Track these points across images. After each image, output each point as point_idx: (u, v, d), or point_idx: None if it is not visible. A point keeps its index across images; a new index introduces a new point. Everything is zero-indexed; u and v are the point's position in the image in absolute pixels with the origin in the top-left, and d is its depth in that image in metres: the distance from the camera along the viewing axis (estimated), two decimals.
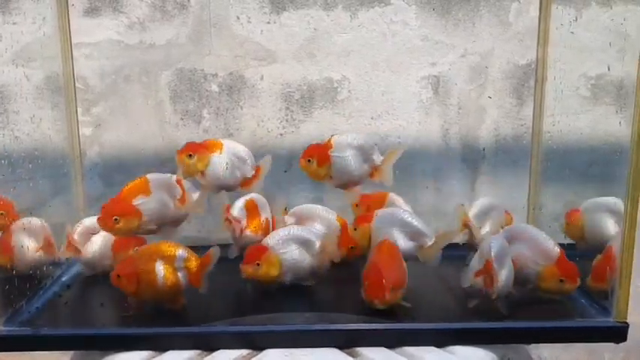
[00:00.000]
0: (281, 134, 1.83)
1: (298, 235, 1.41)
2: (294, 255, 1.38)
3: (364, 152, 1.44)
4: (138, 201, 1.31)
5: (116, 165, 1.79)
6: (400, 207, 1.54)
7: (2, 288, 1.25)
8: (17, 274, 1.35)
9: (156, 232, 1.35)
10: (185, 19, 1.77)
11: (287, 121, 1.82)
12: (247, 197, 1.56)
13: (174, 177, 1.37)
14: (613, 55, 1.69)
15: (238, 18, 1.77)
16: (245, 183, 1.46)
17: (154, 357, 1.18)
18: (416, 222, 1.38)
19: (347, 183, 1.45)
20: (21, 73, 1.57)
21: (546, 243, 1.31)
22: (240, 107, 1.81)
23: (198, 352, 1.19)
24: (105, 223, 1.28)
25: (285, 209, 1.61)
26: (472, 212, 1.52)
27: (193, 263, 1.30)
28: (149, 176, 1.35)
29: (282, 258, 1.36)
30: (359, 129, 1.82)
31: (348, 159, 1.42)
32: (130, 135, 1.80)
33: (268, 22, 1.78)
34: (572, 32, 1.68)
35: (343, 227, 1.54)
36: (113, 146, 1.81)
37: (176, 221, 1.40)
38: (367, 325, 1.23)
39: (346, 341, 1.20)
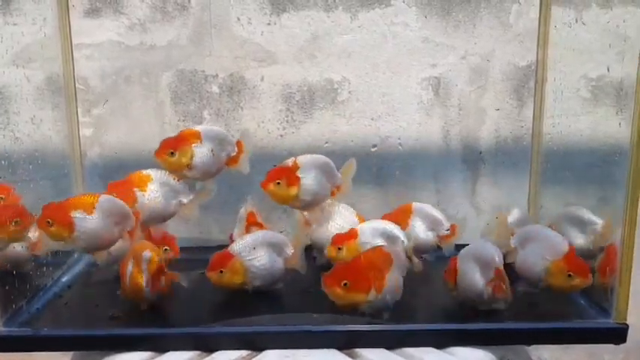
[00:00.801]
0: (281, 135, 1.83)
1: (267, 239, 1.38)
2: (262, 261, 1.36)
3: (327, 171, 1.45)
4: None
5: (116, 166, 1.80)
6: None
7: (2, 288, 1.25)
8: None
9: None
10: (186, 20, 1.77)
11: (287, 122, 1.82)
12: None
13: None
14: (613, 56, 1.69)
15: (239, 19, 1.77)
16: (231, 161, 1.47)
17: (153, 358, 1.18)
18: (396, 230, 1.41)
19: (312, 203, 1.45)
20: (21, 74, 1.58)
21: (555, 239, 1.31)
22: (241, 108, 1.81)
23: (198, 352, 1.19)
24: None
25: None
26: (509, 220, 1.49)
27: (154, 265, 1.27)
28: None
29: (249, 264, 1.34)
30: (359, 130, 1.82)
31: (316, 179, 1.42)
32: (130, 136, 1.81)
33: (269, 24, 1.78)
34: (572, 34, 1.68)
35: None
36: (113, 147, 1.81)
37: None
38: (367, 326, 1.23)
39: (346, 342, 1.20)
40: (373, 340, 1.21)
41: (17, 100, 1.63)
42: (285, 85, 1.81)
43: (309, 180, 1.41)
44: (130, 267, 1.27)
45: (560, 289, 1.29)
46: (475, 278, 1.26)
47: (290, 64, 1.80)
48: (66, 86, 1.58)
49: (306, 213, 1.53)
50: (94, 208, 1.28)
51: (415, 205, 1.54)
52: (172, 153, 1.38)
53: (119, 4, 1.75)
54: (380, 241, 1.38)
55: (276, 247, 1.38)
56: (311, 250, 1.54)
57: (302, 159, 1.42)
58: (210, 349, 1.19)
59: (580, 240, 1.45)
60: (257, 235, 1.40)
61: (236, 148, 1.48)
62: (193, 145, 1.40)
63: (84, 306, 1.38)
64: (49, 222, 1.25)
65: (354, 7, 1.77)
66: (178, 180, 1.43)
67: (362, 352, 1.19)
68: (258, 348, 1.19)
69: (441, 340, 1.21)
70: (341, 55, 1.80)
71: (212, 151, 1.42)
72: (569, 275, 1.26)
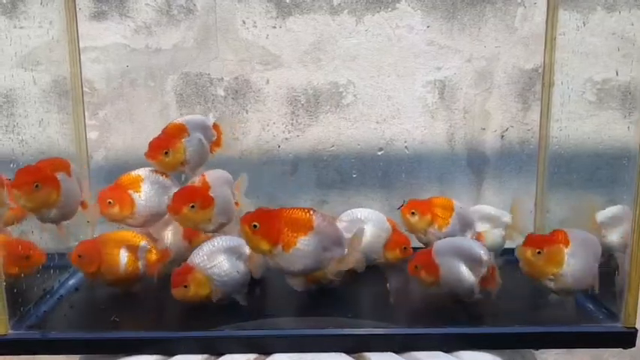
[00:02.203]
0: (286, 138, 1.83)
1: (225, 245, 1.33)
2: (223, 267, 1.30)
3: (231, 187, 1.43)
4: None
5: (122, 168, 1.78)
6: None
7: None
8: None
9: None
10: (191, 23, 1.77)
11: (292, 125, 1.82)
12: None
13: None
14: (619, 59, 1.70)
15: (244, 22, 1.77)
16: (214, 146, 1.47)
17: None
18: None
19: (223, 225, 1.40)
20: (27, 77, 1.58)
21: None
22: (246, 111, 1.81)
23: (206, 356, 1.19)
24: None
25: None
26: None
27: (154, 256, 1.37)
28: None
29: (211, 273, 1.29)
30: (364, 133, 1.82)
31: (227, 197, 1.39)
32: (135, 139, 1.81)
33: (274, 27, 1.78)
34: (579, 37, 1.68)
35: (393, 229, 1.50)
36: (119, 150, 1.82)
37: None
38: (375, 330, 1.23)
39: (354, 346, 1.20)
40: (381, 344, 1.20)
41: (24, 103, 1.63)
42: (290, 88, 1.81)
43: (220, 199, 1.35)
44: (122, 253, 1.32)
45: None
46: (464, 273, 1.28)
47: (295, 67, 1.80)
48: (73, 89, 1.58)
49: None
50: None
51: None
52: (166, 153, 1.37)
53: (125, 7, 1.76)
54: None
55: (234, 251, 1.32)
56: None
57: (211, 176, 1.36)
58: (219, 353, 1.19)
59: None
60: (214, 242, 1.33)
61: (215, 132, 1.47)
62: (184, 139, 1.39)
63: (91, 309, 1.38)
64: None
65: (359, 11, 1.77)
66: (166, 176, 1.43)
67: (370, 356, 1.19)
68: (266, 351, 1.19)
69: (449, 344, 1.21)
70: (346, 58, 1.80)
71: (201, 140, 1.41)
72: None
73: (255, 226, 1.17)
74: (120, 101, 1.80)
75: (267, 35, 1.78)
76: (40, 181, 1.24)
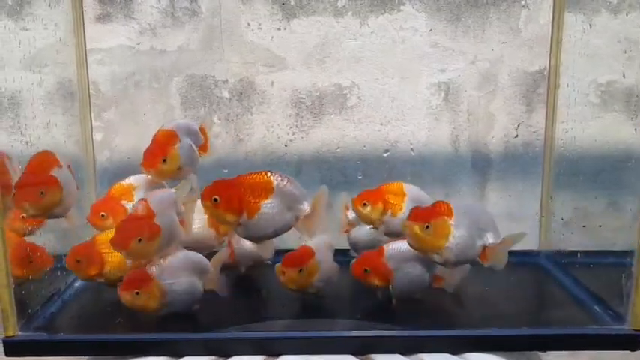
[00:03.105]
0: (290, 140, 1.83)
1: (189, 261, 1.29)
2: (182, 285, 1.26)
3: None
4: None
5: (126, 170, 1.79)
6: None
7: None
8: None
9: None
10: (196, 25, 1.77)
11: (297, 127, 1.83)
12: None
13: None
14: (623, 62, 1.70)
15: (249, 24, 1.78)
16: (201, 150, 1.46)
17: None
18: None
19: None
20: (33, 79, 1.58)
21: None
22: (250, 113, 1.81)
23: (213, 357, 1.19)
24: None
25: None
26: None
27: None
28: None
29: (168, 289, 1.24)
30: (368, 135, 1.83)
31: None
32: (140, 141, 1.80)
33: (279, 29, 1.78)
34: (584, 39, 1.68)
35: None
36: (123, 152, 1.82)
37: None
38: (382, 332, 1.24)
39: (361, 348, 1.20)
40: (388, 346, 1.21)
41: (29, 105, 1.63)
42: (294, 90, 1.81)
43: (166, 226, 1.27)
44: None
45: None
46: (421, 274, 1.31)
47: (300, 69, 1.80)
48: (80, 91, 1.58)
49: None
50: None
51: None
52: (164, 161, 1.34)
53: (130, 9, 1.76)
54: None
55: (197, 269, 1.29)
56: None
57: (154, 201, 1.27)
58: (227, 354, 1.19)
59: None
60: (179, 256, 1.28)
61: (202, 136, 1.46)
62: (175, 146, 1.37)
63: (98, 310, 1.38)
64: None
65: (363, 13, 1.78)
66: (154, 183, 1.42)
67: (377, 357, 1.19)
68: (274, 353, 1.19)
69: (456, 346, 1.21)
70: (350, 60, 1.80)
71: (191, 146, 1.40)
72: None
73: (215, 200, 1.16)
74: (124, 103, 1.80)
75: (272, 37, 1.79)
76: (43, 188, 1.24)
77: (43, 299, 1.35)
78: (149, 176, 1.42)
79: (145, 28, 1.77)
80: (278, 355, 1.19)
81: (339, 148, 1.83)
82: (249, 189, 1.19)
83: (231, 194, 1.18)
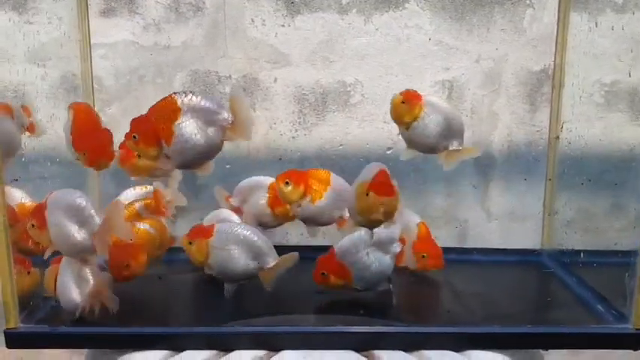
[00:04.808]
0: (293, 137, 1.83)
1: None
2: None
3: None
4: None
5: None
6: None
7: None
8: None
9: None
10: (200, 21, 1.77)
11: (300, 124, 1.82)
12: None
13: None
14: (628, 61, 1.69)
15: (253, 21, 1.77)
16: (29, 129, 1.44)
17: (170, 357, 1.18)
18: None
19: None
20: (37, 73, 1.58)
21: None
22: (254, 109, 1.81)
23: (214, 352, 1.19)
24: None
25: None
26: None
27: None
28: None
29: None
30: (371, 133, 1.82)
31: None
32: None
33: (283, 25, 1.78)
34: (589, 38, 1.68)
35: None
36: None
37: None
38: (384, 328, 1.23)
39: (363, 344, 1.20)
40: (391, 342, 1.21)
41: (33, 98, 1.63)
42: (298, 87, 1.81)
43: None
44: None
45: None
46: (379, 259, 1.34)
47: (303, 66, 1.80)
48: (84, 85, 1.58)
49: None
50: None
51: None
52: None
53: (134, 4, 1.76)
54: None
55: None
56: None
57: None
58: (227, 349, 1.19)
59: None
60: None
61: (26, 117, 1.44)
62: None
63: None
64: None
65: (367, 10, 1.77)
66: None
67: (379, 353, 1.19)
68: (275, 348, 1.19)
69: (458, 343, 1.21)
70: (354, 57, 1.80)
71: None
72: None
73: (134, 137, 1.17)
74: (128, 98, 1.80)
75: (276, 34, 1.78)
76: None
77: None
78: None
79: (149, 23, 1.77)
80: (279, 350, 1.19)
81: (342, 145, 1.82)
82: (159, 115, 1.15)
83: (147, 128, 1.14)
